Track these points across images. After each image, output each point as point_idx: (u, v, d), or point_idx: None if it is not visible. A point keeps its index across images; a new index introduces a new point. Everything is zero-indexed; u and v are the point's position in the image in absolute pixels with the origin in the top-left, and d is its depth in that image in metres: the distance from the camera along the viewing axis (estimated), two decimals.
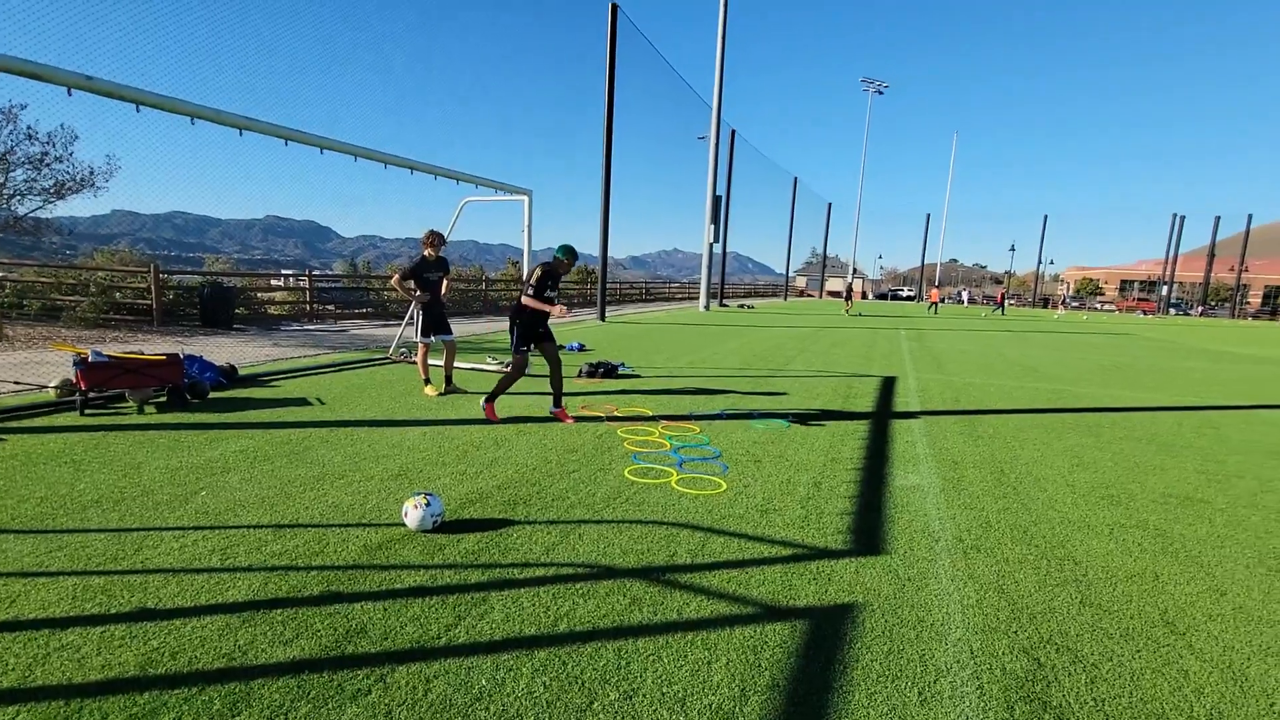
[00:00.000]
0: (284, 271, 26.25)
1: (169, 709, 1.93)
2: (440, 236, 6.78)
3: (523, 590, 2.75)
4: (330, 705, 1.98)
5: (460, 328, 14.65)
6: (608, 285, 24.60)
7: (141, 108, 4.88)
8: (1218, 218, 56.74)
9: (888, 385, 8.98)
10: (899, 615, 2.70)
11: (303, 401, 6.28)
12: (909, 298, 69.29)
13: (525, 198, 8.35)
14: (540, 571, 2.93)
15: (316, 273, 21.69)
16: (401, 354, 9.42)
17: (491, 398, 5.86)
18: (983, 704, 2.16)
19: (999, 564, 3.25)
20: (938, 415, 7.00)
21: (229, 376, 6.96)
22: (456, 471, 4.30)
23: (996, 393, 8.76)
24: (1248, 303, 66.17)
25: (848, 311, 30.77)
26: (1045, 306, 57.24)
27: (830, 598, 2.82)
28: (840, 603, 2.78)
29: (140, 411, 5.56)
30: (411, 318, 8.53)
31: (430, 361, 7.07)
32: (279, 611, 2.49)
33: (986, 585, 3.01)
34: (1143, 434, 6.46)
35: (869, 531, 3.58)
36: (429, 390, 6.86)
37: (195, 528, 3.23)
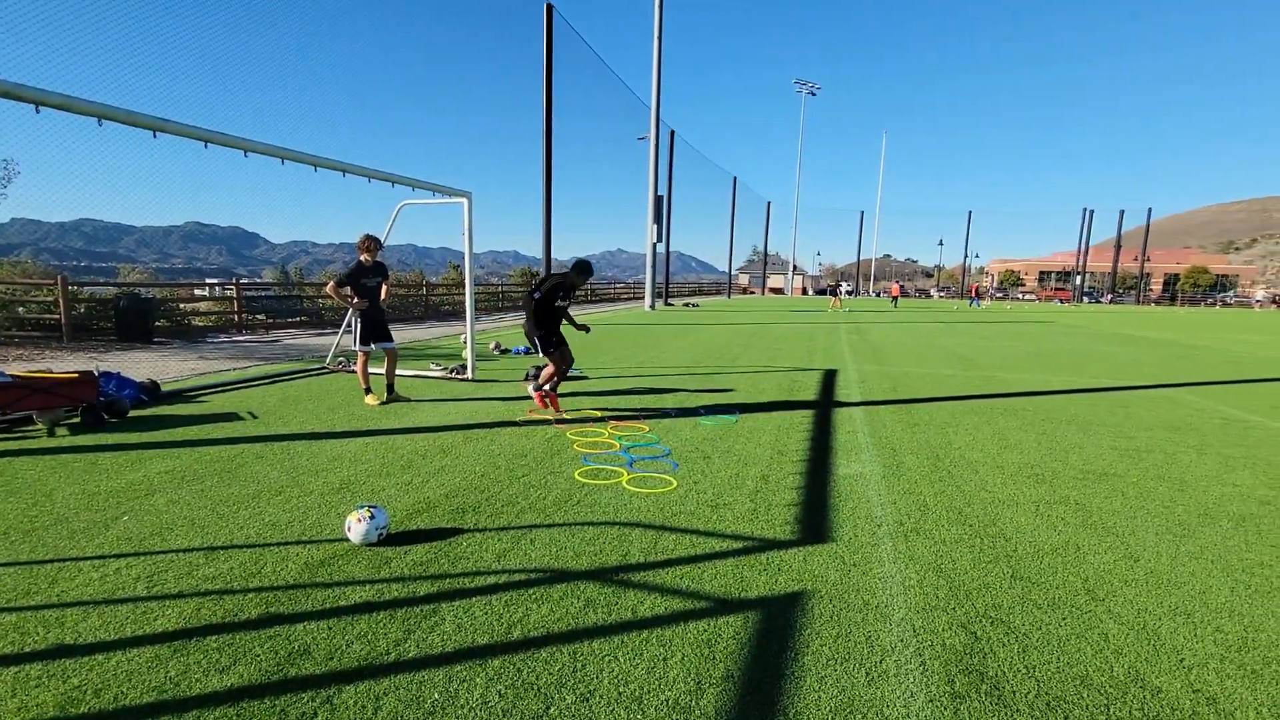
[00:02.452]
0: (209, 280, 24.92)
1: None
2: (376, 241, 6.56)
3: (474, 599, 2.70)
4: None
5: (402, 334, 14.24)
6: None
7: (42, 109, 4.53)
8: (1122, 211, 61.02)
9: (830, 377, 9.25)
10: (846, 600, 2.79)
11: (233, 417, 5.98)
12: (849, 293, 71.51)
13: (465, 200, 8.19)
14: (492, 579, 2.89)
15: (244, 281, 20.66)
16: (339, 363, 9.09)
17: (539, 387, 6.22)
18: (925, 679, 2.26)
19: (937, 545, 3.41)
20: (877, 405, 7.26)
21: (151, 393, 6.55)
22: (402, 482, 4.19)
23: (931, 381, 9.15)
24: (1150, 289, 71.37)
25: (833, 309, 31.49)
26: (968, 296, 60.14)
27: (780, 587, 2.88)
28: (790, 592, 2.85)
29: (51, 434, 5.17)
30: (349, 325, 8.22)
31: (371, 370, 6.82)
32: (214, 638, 2.37)
33: (926, 566, 3.15)
34: (1063, 415, 6.87)
35: (815, 521, 3.69)
36: (370, 400, 6.62)
37: (118, 555, 3.03)
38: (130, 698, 2.03)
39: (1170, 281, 79.18)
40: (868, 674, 2.27)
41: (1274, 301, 63.54)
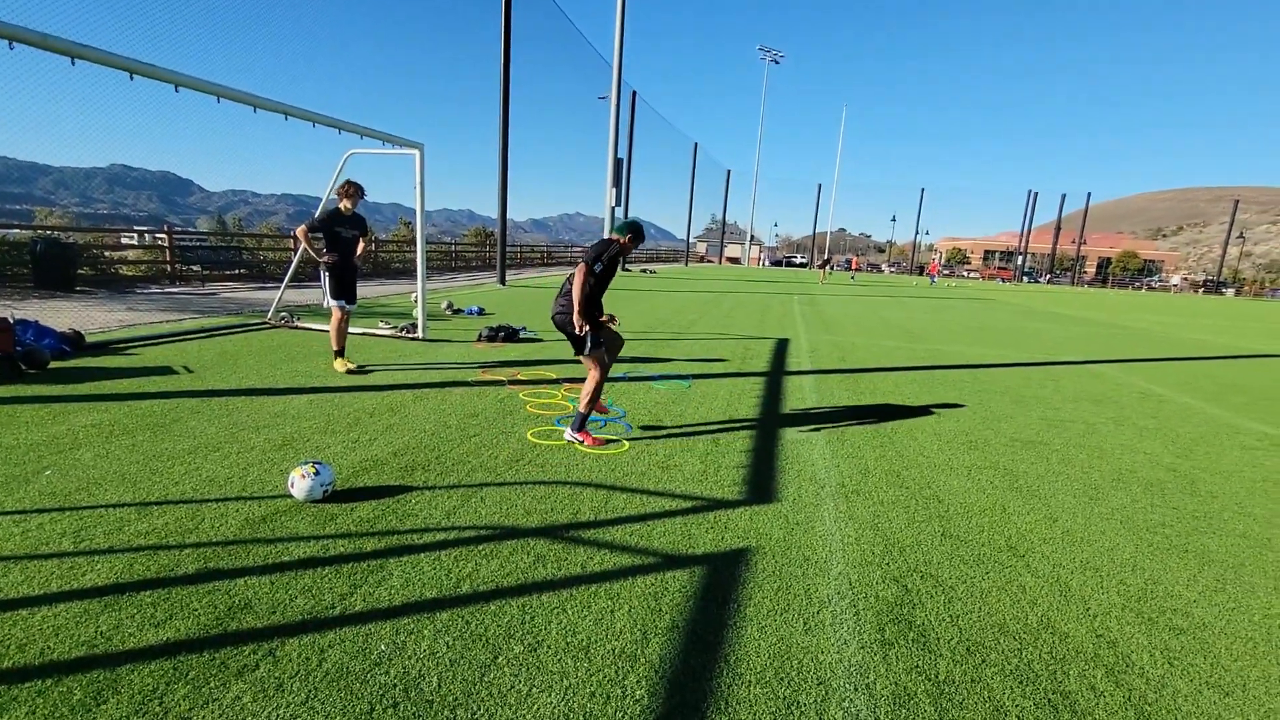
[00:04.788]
0: (137, 228, 23.36)
1: (20, 703, 1.75)
2: (359, 188, 5.83)
3: (423, 555, 2.69)
4: (212, 684, 1.87)
5: None
6: (508, 248, 23.90)
7: None
8: (1063, 195, 63.35)
9: (782, 346, 9.43)
10: (788, 556, 2.90)
11: (167, 370, 5.70)
12: (802, 264, 72.50)
13: (416, 152, 7.88)
14: (441, 535, 2.88)
15: (178, 230, 19.47)
16: (282, 318, 8.74)
17: (582, 424, 4.35)
18: (858, 628, 2.38)
19: (875, 505, 3.57)
20: (826, 374, 7.46)
21: (74, 344, 6.17)
22: (348, 439, 4.10)
23: (878, 352, 9.45)
24: (1085, 271, 74.94)
25: (823, 281, 32.61)
26: (921, 274, 61.92)
27: (727, 544, 2.98)
28: (736, 548, 2.94)
29: None
30: (296, 278, 7.84)
31: (334, 335, 6.04)
32: (147, 593, 2.30)
33: (864, 524, 3.30)
34: (999, 387, 7.22)
35: (762, 482, 3.80)
36: (340, 365, 5.97)
37: (40, 510, 2.88)
38: (58, 652, 1.96)
39: (1103, 264, 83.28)
40: (805, 624, 2.39)
41: (1196, 286, 67.70)
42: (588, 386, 4.34)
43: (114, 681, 1.86)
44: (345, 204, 5.81)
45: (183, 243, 16.87)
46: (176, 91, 5.44)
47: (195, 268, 15.61)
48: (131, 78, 5.08)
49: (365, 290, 15.10)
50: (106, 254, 14.77)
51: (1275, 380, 9.17)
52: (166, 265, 14.93)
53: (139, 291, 12.39)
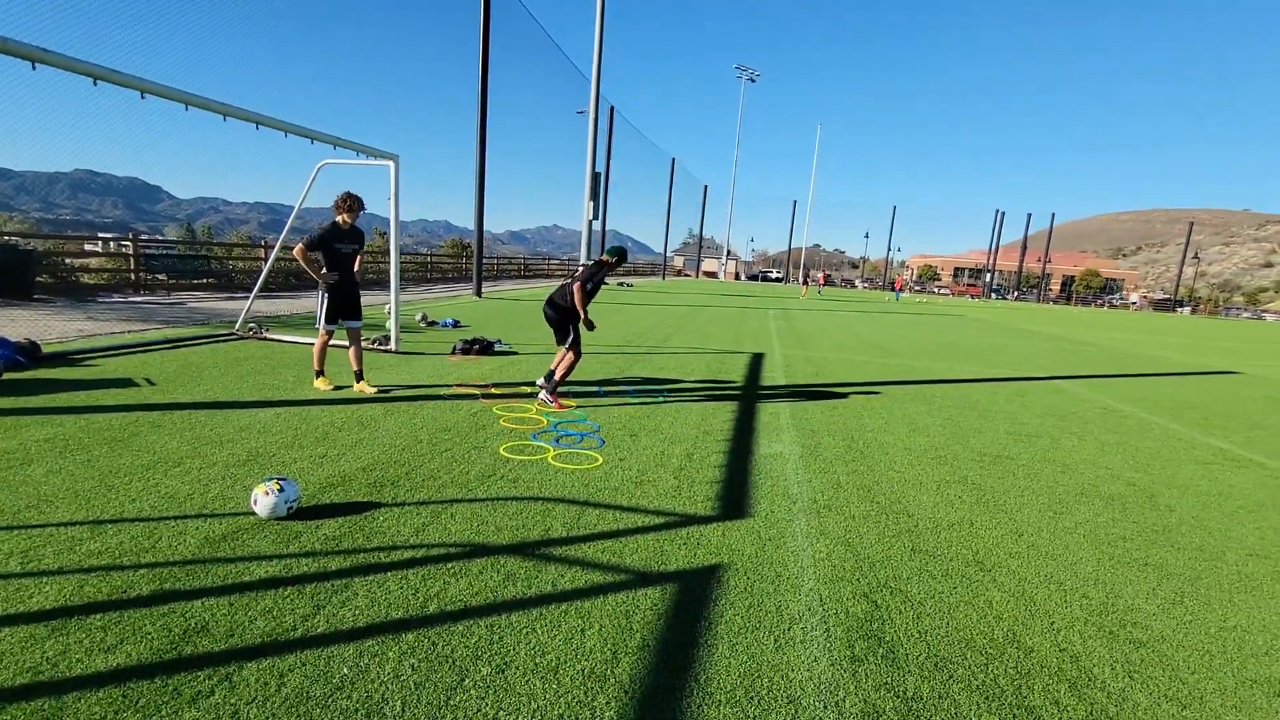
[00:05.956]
0: (101, 235, 22.77)
1: None
2: (359, 201, 5.55)
3: (389, 574, 2.64)
4: (164, 712, 1.80)
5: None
6: (484, 260, 23.79)
7: None
8: (1029, 215, 65.30)
9: (756, 360, 9.51)
10: (759, 572, 2.91)
11: (128, 383, 5.53)
12: (778, 279, 73.39)
13: (391, 163, 7.82)
14: (409, 554, 2.83)
15: (144, 237, 19.01)
16: (250, 329, 8.55)
17: (555, 389, 5.77)
18: (829, 645, 2.39)
19: (847, 520, 3.59)
20: (799, 388, 7.54)
21: (29, 355, 5.96)
22: (316, 454, 4.01)
23: (851, 367, 9.57)
24: (1050, 289, 77.10)
25: (805, 295, 33.32)
26: (892, 289, 63.11)
27: (699, 561, 2.97)
28: (708, 565, 2.94)
29: None
30: (266, 288, 7.68)
31: (334, 343, 5.86)
32: (98, 616, 2.21)
33: (835, 540, 3.32)
34: (967, 402, 7.36)
35: (735, 497, 3.81)
36: (321, 384, 5.77)
37: None
38: (0, 679, 1.87)
39: (1068, 282, 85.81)
40: (776, 641, 2.39)
41: (1154, 304, 70.06)
42: (567, 360, 5.81)
43: (59, 710, 1.78)
44: (343, 218, 5.53)
45: (148, 251, 16.46)
46: (143, 98, 5.33)
47: (161, 276, 15.23)
48: (95, 83, 4.97)
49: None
50: (68, 261, 14.35)
51: (1228, 396, 9.50)
52: (131, 274, 14.54)
53: (100, 300, 12.04)
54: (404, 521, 3.14)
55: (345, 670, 2.03)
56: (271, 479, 3.07)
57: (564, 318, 5.83)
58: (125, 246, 16.25)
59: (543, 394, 5.71)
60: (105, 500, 3.13)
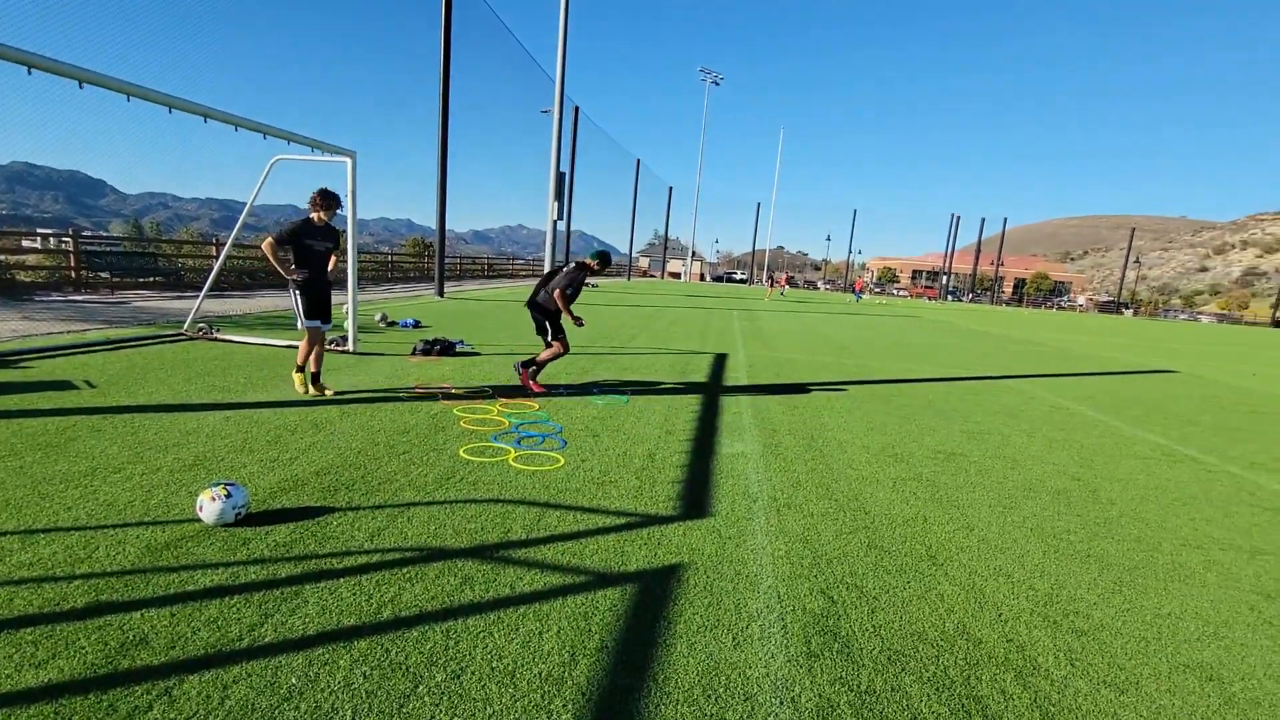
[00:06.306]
0: (40, 230, 21.67)
1: None
2: (334, 198, 5.44)
3: (342, 580, 2.57)
4: None
5: (275, 301, 13.10)
6: (447, 259, 23.46)
7: None
8: (983, 219, 67.47)
9: (720, 361, 9.58)
10: (719, 570, 2.93)
11: (65, 385, 5.28)
12: (742, 280, 74.16)
13: (349, 160, 7.63)
14: (363, 559, 2.76)
15: (86, 234, 18.16)
16: (200, 329, 8.25)
17: (535, 375, 6.36)
18: (786, 641, 2.42)
19: (805, 518, 3.65)
20: (762, 388, 7.62)
21: None
22: (266, 459, 3.89)
23: (813, 366, 9.73)
24: (1003, 291, 79.79)
25: (769, 298, 33.42)
26: (853, 291, 64.45)
27: (659, 560, 2.98)
28: (668, 564, 2.95)
29: None
30: (217, 286, 7.42)
31: (303, 353, 5.57)
32: (28, 631, 2.10)
33: (794, 537, 3.37)
34: (923, 401, 7.55)
35: (697, 497, 3.83)
36: (298, 381, 5.57)
37: None
38: None
39: (1019, 285, 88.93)
40: (734, 639, 2.41)
41: (1099, 306, 73.11)
42: (554, 349, 6.31)
43: None
44: (316, 215, 5.40)
45: (90, 248, 15.72)
46: (81, 88, 5.09)
47: (104, 274, 14.57)
48: (30, 72, 4.73)
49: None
50: (2, 258, 13.61)
51: (1165, 394, 9.97)
52: (71, 271, 13.88)
53: (37, 299, 11.47)
54: (359, 526, 3.07)
55: (294, 680, 1.97)
56: (219, 484, 2.97)
57: (548, 318, 6.31)
58: (65, 243, 15.50)
59: (517, 366, 6.39)
60: (38, 509, 2.98)
